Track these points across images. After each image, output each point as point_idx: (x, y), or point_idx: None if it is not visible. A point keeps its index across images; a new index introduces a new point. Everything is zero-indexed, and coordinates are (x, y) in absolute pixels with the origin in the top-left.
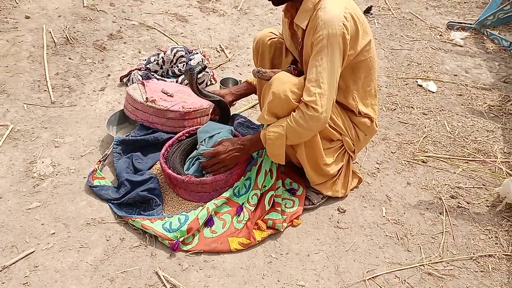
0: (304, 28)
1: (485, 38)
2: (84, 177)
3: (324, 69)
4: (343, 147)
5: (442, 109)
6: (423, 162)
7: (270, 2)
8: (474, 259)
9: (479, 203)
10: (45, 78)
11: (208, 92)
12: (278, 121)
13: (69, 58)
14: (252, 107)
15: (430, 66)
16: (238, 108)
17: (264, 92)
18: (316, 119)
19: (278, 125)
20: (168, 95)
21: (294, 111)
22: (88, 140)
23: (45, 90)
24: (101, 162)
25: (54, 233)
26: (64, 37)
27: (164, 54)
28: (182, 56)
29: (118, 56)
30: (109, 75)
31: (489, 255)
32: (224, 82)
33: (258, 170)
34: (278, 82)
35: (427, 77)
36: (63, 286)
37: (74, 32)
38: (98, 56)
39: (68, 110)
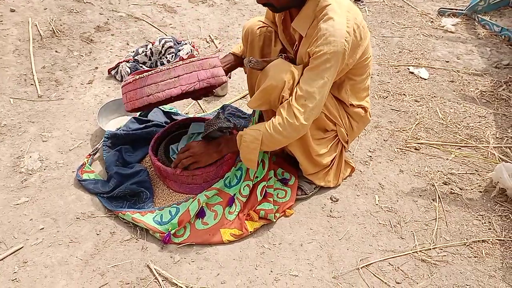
0: (304, 35)
1: (476, 24)
2: (73, 171)
3: (320, 84)
4: (337, 137)
5: (434, 96)
6: (416, 149)
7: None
8: (467, 245)
9: (472, 189)
10: (32, 71)
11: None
12: (256, 125)
13: (56, 51)
14: (243, 97)
15: (422, 53)
16: (229, 98)
17: (260, 78)
18: (297, 129)
19: (255, 129)
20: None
21: (275, 117)
22: (76, 134)
23: (31, 84)
24: (91, 156)
25: (43, 228)
26: (50, 30)
27: (153, 45)
28: (170, 47)
29: (105, 49)
30: (96, 67)
31: (482, 240)
32: None
33: None
34: (277, 69)
35: (419, 64)
36: (53, 281)
37: (61, 25)
38: (85, 48)
39: (55, 103)
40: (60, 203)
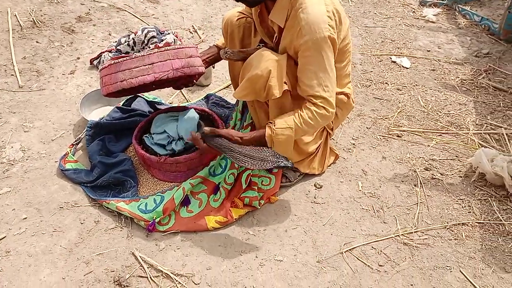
0: (282, 27)
1: (457, 13)
2: (56, 161)
3: (324, 73)
4: None
5: (416, 84)
6: (398, 136)
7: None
8: (448, 228)
9: (452, 174)
10: (12, 62)
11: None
12: (283, 120)
13: (37, 42)
14: (227, 87)
15: (404, 43)
16: (213, 88)
17: (244, 68)
18: (328, 117)
19: (285, 127)
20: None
21: (302, 111)
22: (58, 124)
23: (12, 75)
24: (74, 146)
25: (26, 218)
26: (31, 21)
27: (135, 35)
28: (153, 37)
29: (87, 39)
30: (78, 58)
31: (462, 223)
32: None
33: None
34: (260, 59)
35: (401, 53)
36: (37, 270)
37: (41, 15)
38: (67, 39)
39: (36, 94)
40: (43, 193)
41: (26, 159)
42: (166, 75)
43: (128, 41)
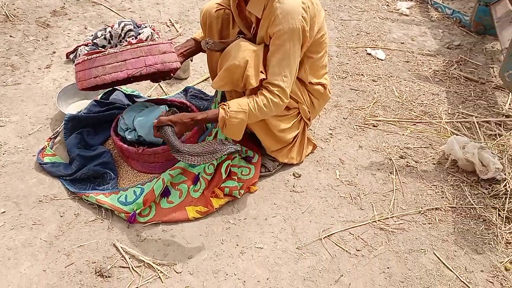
0: (260, 17)
1: (429, 7)
2: (33, 155)
3: (287, 63)
4: (300, 114)
5: (391, 76)
6: (374, 126)
7: None
8: (422, 213)
9: (426, 162)
10: None
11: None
12: (237, 104)
13: (10, 36)
14: (205, 80)
15: (378, 35)
16: (191, 81)
17: (222, 59)
18: (280, 106)
19: (239, 110)
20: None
21: (258, 97)
22: (35, 118)
23: None
24: (51, 140)
25: (4, 212)
26: (4, 15)
27: (112, 28)
28: (130, 30)
29: (63, 33)
30: (54, 52)
31: (436, 208)
32: None
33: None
34: (238, 49)
35: (376, 45)
36: (17, 263)
37: (14, 9)
38: (42, 33)
39: (12, 88)
40: (21, 186)
41: (3, 154)
42: (139, 72)
43: (105, 35)
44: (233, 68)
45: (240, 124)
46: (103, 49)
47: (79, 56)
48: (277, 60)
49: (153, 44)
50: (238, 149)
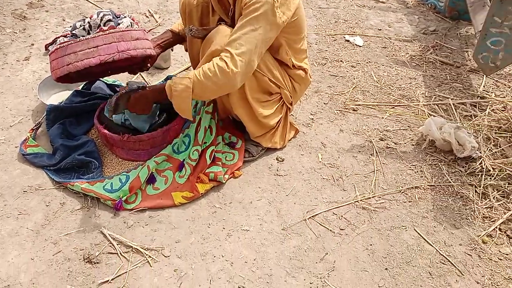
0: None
1: None
2: (16, 147)
3: (248, 32)
4: (282, 99)
5: (369, 61)
6: (354, 110)
7: None
8: (402, 192)
9: (405, 143)
10: None
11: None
12: (185, 74)
13: None
14: (186, 69)
15: (356, 22)
16: (172, 70)
17: (203, 45)
18: (227, 75)
19: (185, 77)
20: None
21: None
22: (16, 110)
23: None
24: (34, 131)
25: None
26: None
27: (90, 19)
28: (109, 21)
29: (40, 25)
30: (32, 44)
31: (415, 187)
32: None
33: (197, 127)
34: (220, 35)
35: (354, 32)
36: (4, 252)
37: None
38: (19, 25)
39: None
40: (4, 177)
41: None
42: (112, 58)
43: (84, 25)
44: (215, 53)
45: (185, 92)
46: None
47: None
48: (237, 28)
49: (125, 30)
50: (163, 119)
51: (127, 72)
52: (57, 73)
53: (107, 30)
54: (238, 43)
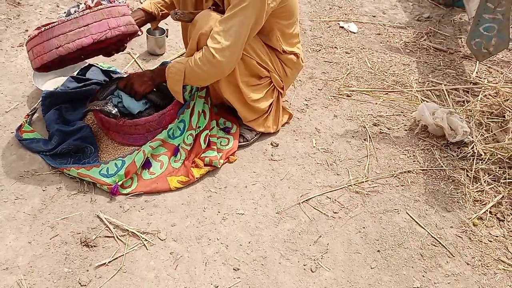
0: None
1: None
2: (12, 132)
3: (235, 24)
4: (272, 84)
5: (363, 48)
6: (348, 96)
7: None
8: (395, 176)
9: (398, 128)
10: None
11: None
12: (183, 58)
13: None
14: (181, 55)
15: (351, 9)
16: (167, 57)
17: (190, 29)
18: (215, 65)
19: (180, 62)
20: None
21: (198, 52)
22: (11, 96)
23: None
24: (29, 116)
25: None
26: None
27: (85, 4)
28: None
29: (34, 11)
30: (27, 30)
31: (408, 171)
32: (150, 31)
33: (191, 112)
34: (203, 18)
35: (348, 19)
36: (2, 236)
37: None
38: (13, 12)
39: None
40: (1, 163)
41: None
42: (104, 36)
43: (78, 11)
44: (200, 37)
45: (177, 75)
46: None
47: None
48: (225, 18)
49: (112, 6)
50: (113, 113)
51: (101, 55)
52: (43, 59)
53: (94, 7)
54: (228, 35)
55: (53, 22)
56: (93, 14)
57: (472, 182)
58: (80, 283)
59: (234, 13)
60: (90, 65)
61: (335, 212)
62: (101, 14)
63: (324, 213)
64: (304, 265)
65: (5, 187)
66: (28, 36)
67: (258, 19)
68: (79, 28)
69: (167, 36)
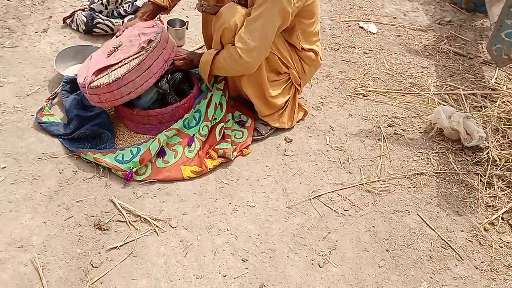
0: None
1: None
2: (32, 115)
3: (261, 24)
4: (290, 80)
5: (382, 49)
6: (364, 96)
7: None
8: (407, 177)
9: (413, 130)
10: None
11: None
12: (214, 49)
13: (7, 0)
14: (200, 47)
15: (371, 10)
16: (186, 49)
17: (214, 22)
18: (240, 64)
19: (211, 53)
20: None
21: (227, 48)
22: (33, 80)
23: None
24: (50, 100)
25: (5, 167)
26: None
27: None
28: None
29: None
30: (51, 16)
31: (421, 173)
32: (171, 23)
33: (208, 103)
34: (228, 12)
35: (368, 19)
36: (18, 215)
37: None
38: None
39: (9, 51)
40: (20, 144)
41: (2, 113)
42: (163, 70)
43: (102, 0)
44: (224, 31)
45: (206, 65)
46: (100, 15)
47: (75, 21)
48: (254, 17)
49: (161, 39)
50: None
51: None
52: (115, 103)
53: (148, 45)
54: (254, 35)
55: (123, 74)
56: (152, 54)
57: (486, 187)
58: (91, 264)
59: (259, 14)
60: None
61: (346, 210)
62: (157, 51)
63: (334, 210)
64: (312, 260)
65: (23, 168)
66: (84, 79)
67: (284, 19)
68: (143, 72)
69: (187, 29)
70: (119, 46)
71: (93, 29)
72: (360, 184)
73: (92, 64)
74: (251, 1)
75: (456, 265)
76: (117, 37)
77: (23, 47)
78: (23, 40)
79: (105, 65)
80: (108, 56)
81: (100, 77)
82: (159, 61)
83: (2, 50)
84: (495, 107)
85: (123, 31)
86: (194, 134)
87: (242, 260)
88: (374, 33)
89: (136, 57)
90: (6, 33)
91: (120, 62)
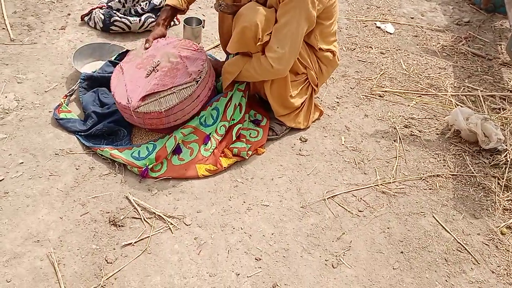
0: None
1: None
2: (50, 111)
3: (289, 31)
4: (307, 80)
5: (399, 49)
6: (380, 96)
7: None
8: (423, 179)
9: (430, 132)
10: (3, 16)
11: None
12: (240, 58)
13: None
14: (216, 46)
15: (389, 10)
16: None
17: (235, 21)
18: (272, 73)
19: (237, 64)
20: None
21: (256, 58)
22: (51, 77)
23: (3, 28)
24: (67, 97)
25: (22, 163)
26: None
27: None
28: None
29: None
30: (69, 14)
31: (437, 175)
32: (188, 22)
33: (227, 103)
34: (249, 12)
35: (385, 19)
36: (35, 210)
37: None
38: None
39: (28, 47)
40: (38, 140)
41: (21, 108)
42: (207, 97)
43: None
44: (244, 30)
45: (231, 75)
46: (118, 13)
47: (93, 19)
48: (281, 25)
49: (209, 68)
50: None
51: None
52: (159, 127)
53: (198, 76)
54: (284, 43)
55: (162, 91)
56: (202, 84)
57: (503, 190)
58: (106, 260)
59: (286, 21)
60: (128, 51)
61: (360, 211)
62: (205, 81)
63: (349, 211)
64: (325, 260)
65: (40, 163)
66: (129, 101)
67: (310, 23)
68: (193, 101)
69: (203, 27)
70: (157, 66)
71: (111, 27)
72: (375, 185)
73: (129, 82)
74: (269, 4)
75: (472, 268)
76: (146, 48)
77: (42, 44)
78: (42, 37)
79: (152, 90)
80: (148, 76)
81: (148, 103)
82: (206, 89)
83: (21, 47)
84: None
85: (152, 41)
86: (210, 133)
87: (256, 259)
88: (391, 33)
89: (186, 87)
90: (25, 30)
91: (169, 89)
